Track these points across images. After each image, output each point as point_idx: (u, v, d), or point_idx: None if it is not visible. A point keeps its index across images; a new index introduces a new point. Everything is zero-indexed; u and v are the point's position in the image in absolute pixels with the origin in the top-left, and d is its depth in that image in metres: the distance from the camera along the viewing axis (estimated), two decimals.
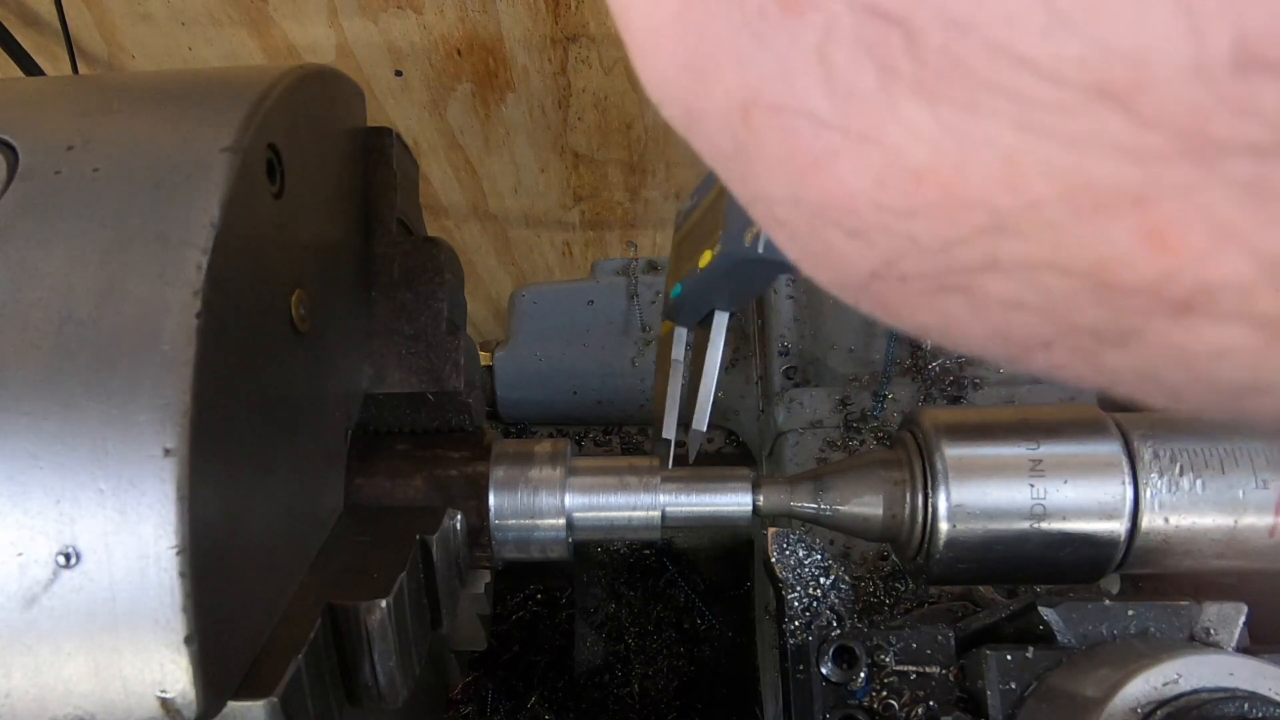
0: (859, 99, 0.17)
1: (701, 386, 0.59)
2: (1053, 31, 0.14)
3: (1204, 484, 0.52)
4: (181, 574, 0.38)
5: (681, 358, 0.62)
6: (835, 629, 0.56)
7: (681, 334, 0.63)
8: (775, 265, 0.50)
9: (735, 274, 0.53)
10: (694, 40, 0.19)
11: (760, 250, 0.48)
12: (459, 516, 0.60)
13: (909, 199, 0.18)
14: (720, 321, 0.59)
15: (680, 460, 0.62)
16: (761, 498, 0.61)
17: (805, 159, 0.19)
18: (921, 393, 0.84)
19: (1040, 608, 0.54)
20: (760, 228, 0.45)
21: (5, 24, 1.18)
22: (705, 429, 0.59)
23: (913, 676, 0.55)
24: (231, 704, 0.42)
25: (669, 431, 0.62)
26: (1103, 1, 0.14)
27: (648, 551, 1.09)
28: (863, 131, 0.17)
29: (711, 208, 0.57)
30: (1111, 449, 0.52)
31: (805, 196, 0.20)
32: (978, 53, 0.15)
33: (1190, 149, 0.14)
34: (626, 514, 0.62)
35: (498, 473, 0.62)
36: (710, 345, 0.58)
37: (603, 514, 0.62)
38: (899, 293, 0.20)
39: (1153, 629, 0.53)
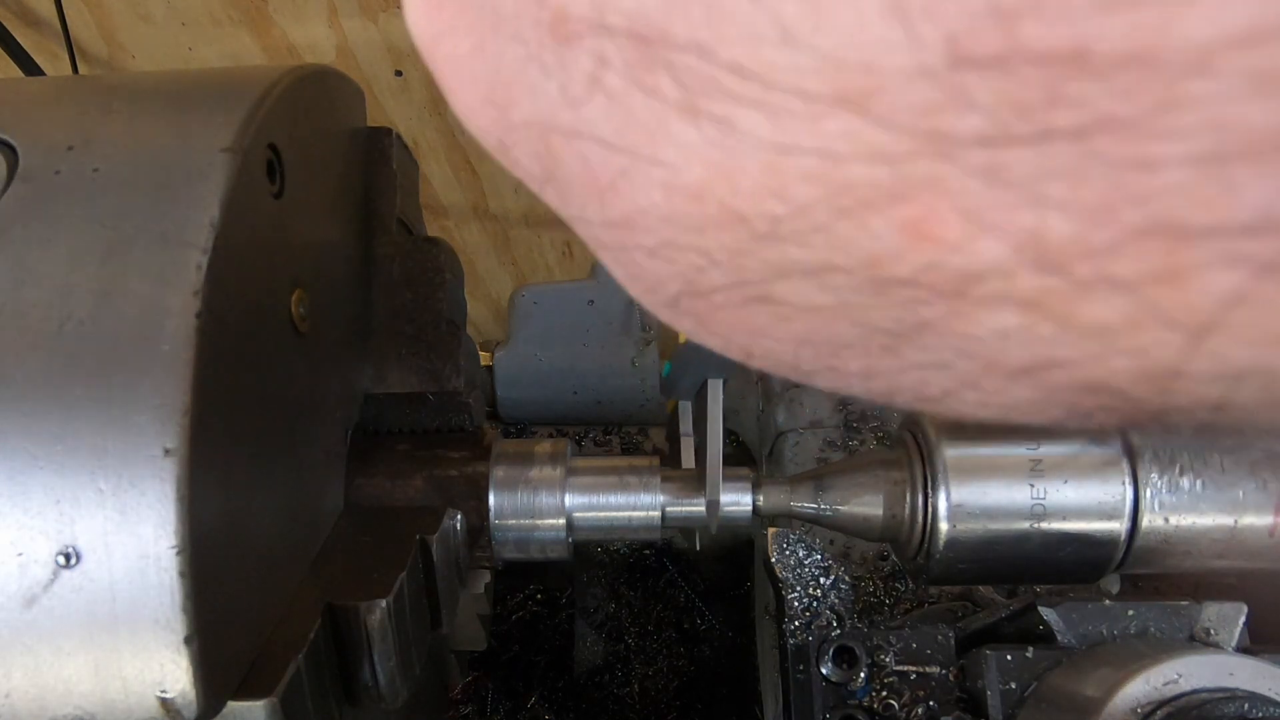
0: (636, 121, 0.18)
1: (708, 456, 0.59)
2: (787, 47, 0.15)
3: (1204, 484, 0.52)
4: (181, 574, 0.38)
5: (690, 431, 0.63)
6: (835, 629, 0.56)
7: (686, 407, 0.64)
8: None
9: None
10: (491, 74, 0.20)
11: None
12: (459, 516, 0.60)
13: (693, 215, 0.18)
14: (715, 390, 0.59)
15: (704, 528, 0.63)
16: (761, 498, 0.61)
17: (602, 181, 0.19)
18: None
19: (1040, 608, 0.54)
20: None
21: (5, 24, 1.18)
22: (720, 498, 0.59)
23: (913, 676, 0.55)
24: (231, 704, 0.42)
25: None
26: (826, 16, 0.15)
27: (648, 551, 1.09)
28: (644, 152, 0.18)
29: None
30: (1111, 449, 0.52)
31: (609, 218, 0.20)
32: (725, 71, 0.16)
33: (928, 144, 0.15)
34: (626, 514, 0.62)
35: (498, 473, 0.62)
36: (709, 415, 0.59)
37: (603, 514, 0.62)
38: (708, 309, 0.21)
39: (1153, 629, 0.53)
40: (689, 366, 0.57)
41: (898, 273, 0.17)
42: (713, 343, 0.23)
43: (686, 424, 0.64)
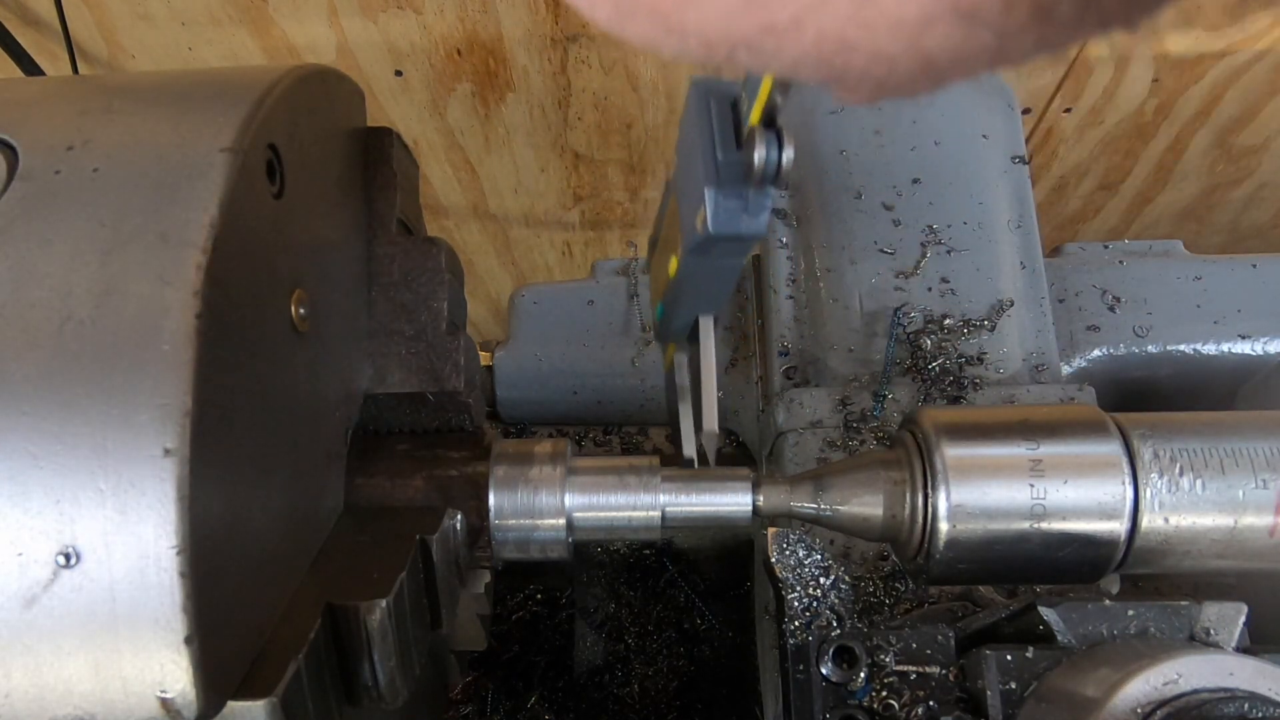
0: None
1: (704, 389, 0.60)
2: None
3: (1204, 484, 0.52)
4: (181, 574, 0.38)
5: (688, 382, 0.63)
6: (835, 629, 0.56)
7: (683, 361, 0.64)
8: (730, 243, 0.50)
9: (701, 268, 0.53)
10: None
11: (711, 228, 0.48)
12: (459, 516, 0.60)
13: None
14: (706, 325, 0.59)
15: (701, 462, 0.63)
16: (761, 498, 0.61)
17: None
18: (921, 393, 0.84)
19: (1040, 608, 0.54)
20: (704, 210, 0.46)
21: (5, 24, 1.18)
22: (717, 429, 0.60)
23: (913, 676, 0.55)
24: (231, 704, 0.42)
25: (689, 451, 0.64)
26: None
27: (648, 551, 1.09)
28: None
29: (669, 221, 0.57)
30: (1111, 449, 0.52)
31: None
32: None
33: None
34: (626, 514, 0.62)
35: (498, 473, 0.62)
36: (703, 350, 0.59)
37: (603, 514, 0.62)
38: None
39: (1153, 629, 0.53)
40: (679, 305, 0.58)
41: None
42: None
43: (683, 375, 0.64)
